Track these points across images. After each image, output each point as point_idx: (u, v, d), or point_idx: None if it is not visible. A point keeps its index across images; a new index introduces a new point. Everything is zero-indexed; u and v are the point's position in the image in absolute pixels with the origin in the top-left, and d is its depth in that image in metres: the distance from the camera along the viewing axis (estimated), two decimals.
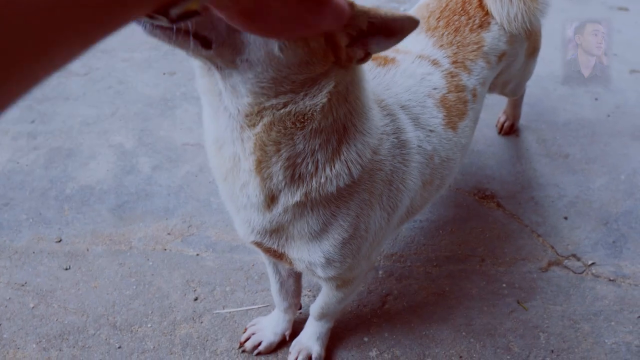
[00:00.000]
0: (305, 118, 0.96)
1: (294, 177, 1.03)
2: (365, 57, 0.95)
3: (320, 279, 1.30)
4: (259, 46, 0.83)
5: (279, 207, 1.08)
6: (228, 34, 0.81)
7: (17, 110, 2.51)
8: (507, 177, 2.29)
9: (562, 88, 2.78)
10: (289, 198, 1.06)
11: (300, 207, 1.09)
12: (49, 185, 2.17)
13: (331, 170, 1.05)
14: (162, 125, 2.48)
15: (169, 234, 2.00)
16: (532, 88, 2.60)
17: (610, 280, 1.93)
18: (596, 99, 2.72)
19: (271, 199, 1.07)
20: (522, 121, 2.52)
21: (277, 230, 1.17)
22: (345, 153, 1.05)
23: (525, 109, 2.50)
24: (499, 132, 2.47)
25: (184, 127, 2.48)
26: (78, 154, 2.32)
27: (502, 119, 2.46)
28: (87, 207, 2.10)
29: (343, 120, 1.02)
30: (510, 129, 2.46)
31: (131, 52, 2.87)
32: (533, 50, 1.88)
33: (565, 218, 2.13)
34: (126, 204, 2.11)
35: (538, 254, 2.00)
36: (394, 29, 0.90)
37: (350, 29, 0.91)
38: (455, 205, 2.14)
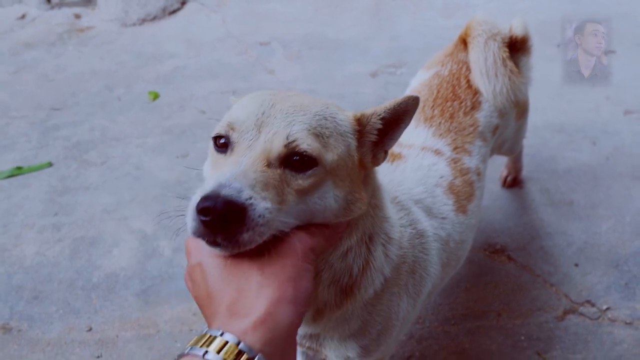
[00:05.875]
0: None
1: (337, 292, 1.10)
2: (385, 155, 1.06)
3: None
4: None
5: (324, 319, 1.14)
6: None
7: (41, 204, 2.63)
8: (515, 229, 2.35)
9: (559, 135, 2.86)
10: (335, 310, 1.12)
11: (343, 315, 1.16)
12: (76, 276, 2.26)
13: (368, 278, 1.12)
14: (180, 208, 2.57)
15: (194, 314, 2.07)
16: (531, 139, 2.69)
17: (626, 323, 1.97)
18: (594, 143, 2.80)
19: (317, 313, 1.12)
20: (524, 172, 2.60)
21: (317, 335, 1.24)
22: (377, 259, 1.13)
23: (526, 160, 2.58)
24: (503, 185, 2.55)
25: None
26: (101, 242, 2.42)
27: (505, 173, 2.54)
28: (113, 294, 2.18)
29: (370, 229, 1.10)
30: (513, 182, 2.54)
31: (144, 138, 3.00)
32: (522, 114, 1.97)
33: (576, 265, 2.18)
34: (150, 288, 2.19)
35: (553, 303, 2.05)
36: (401, 113, 1.01)
37: (370, 136, 1.02)
38: (467, 262, 2.20)
